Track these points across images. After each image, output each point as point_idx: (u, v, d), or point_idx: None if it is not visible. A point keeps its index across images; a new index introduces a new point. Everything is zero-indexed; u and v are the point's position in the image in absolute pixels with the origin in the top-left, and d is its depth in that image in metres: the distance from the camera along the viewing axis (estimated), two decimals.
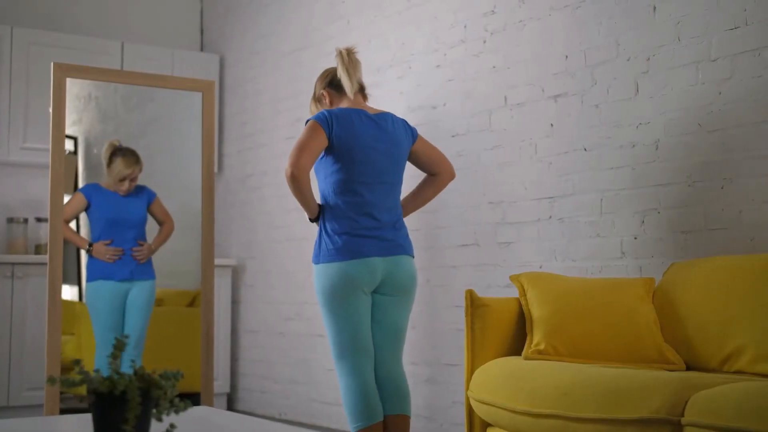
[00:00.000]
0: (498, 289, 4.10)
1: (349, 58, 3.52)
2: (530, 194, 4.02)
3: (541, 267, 3.93)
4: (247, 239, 5.95)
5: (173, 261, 4.97)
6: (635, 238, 3.58)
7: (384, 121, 3.52)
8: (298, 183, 3.31)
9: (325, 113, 3.42)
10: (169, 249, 4.91)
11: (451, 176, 3.72)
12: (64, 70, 4.23)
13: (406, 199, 3.70)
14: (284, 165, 5.53)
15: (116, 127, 5.03)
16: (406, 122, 3.63)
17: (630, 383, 2.47)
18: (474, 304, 3.08)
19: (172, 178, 5.15)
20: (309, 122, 3.40)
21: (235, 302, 6.03)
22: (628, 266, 3.60)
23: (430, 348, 4.46)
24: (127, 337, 1.70)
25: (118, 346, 1.70)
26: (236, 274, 6.03)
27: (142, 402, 1.66)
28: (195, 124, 4.93)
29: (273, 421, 2.73)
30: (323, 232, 3.42)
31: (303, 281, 5.39)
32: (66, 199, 4.53)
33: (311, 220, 3.49)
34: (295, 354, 5.44)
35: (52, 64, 4.26)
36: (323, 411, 5.16)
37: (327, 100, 3.65)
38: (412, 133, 3.62)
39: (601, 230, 3.72)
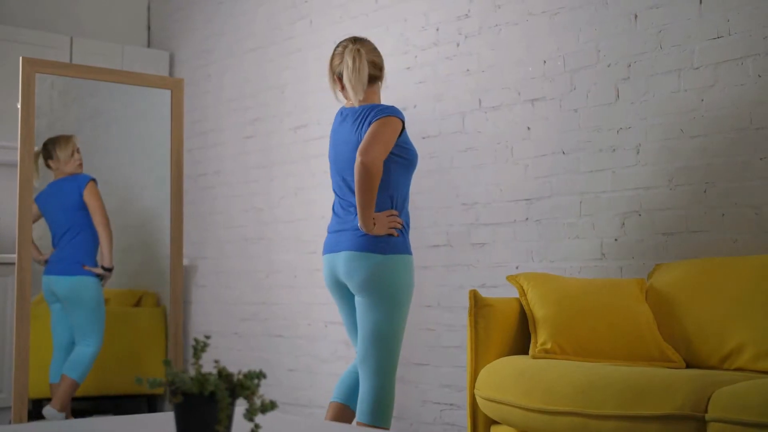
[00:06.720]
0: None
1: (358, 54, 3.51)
2: (506, 196, 4.08)
3: (517, 268, 3.99)
4: (199, 239, 5.88)
5: (117, 260, 4.87)
6: (615, 240, 3.67)
7: (349, 116, 3.52)
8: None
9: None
10: (114, 248, 4.81)
11: (356, 166, 3.31)
12: (34, 66, 4.12)
13: None
14: (244, 164, 5.50)
15: (51, 122, 4.89)
16: (376, 110, 3.42)
17: (650, 380, 2.54)
18: (478, 304, 3.13)
19: (113, 174, 5.04)
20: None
21: (186, 303, 5.95)
22: (607, 267, 3.69)
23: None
24: (209, 337, 1.68)
25: (200, 347, 1.68)
26: (187, 274, 5.95)
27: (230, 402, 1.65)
28: (141, 119, 4.85)
29: (352, 426, 2.75)
30: None
31: (261, 281, 5.35)
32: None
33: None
34: (252, 354, 5.40)
35: (20, 59, 4.15)
36: (283, 411, 5.14)
37: (339, 86, 3.57)
38: (370, 120, 3.40)
39: (580, 232, 3.79)
